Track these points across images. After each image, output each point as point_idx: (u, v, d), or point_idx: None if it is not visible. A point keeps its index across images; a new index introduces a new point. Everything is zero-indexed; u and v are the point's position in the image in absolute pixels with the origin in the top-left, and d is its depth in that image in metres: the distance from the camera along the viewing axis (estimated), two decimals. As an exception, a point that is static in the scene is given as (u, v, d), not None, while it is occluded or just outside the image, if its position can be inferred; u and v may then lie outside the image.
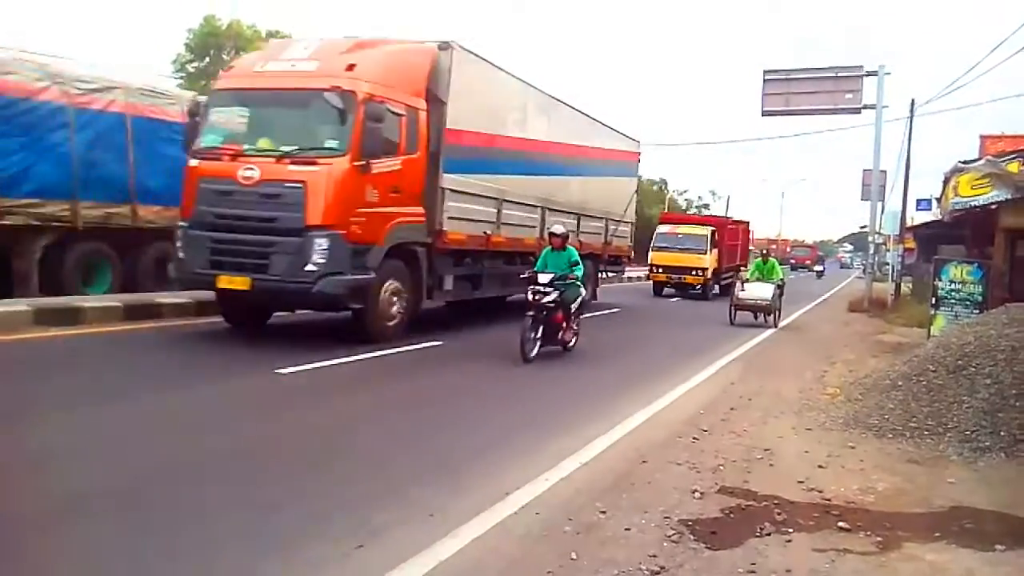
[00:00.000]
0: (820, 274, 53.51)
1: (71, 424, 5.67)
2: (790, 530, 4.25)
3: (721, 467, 5.41)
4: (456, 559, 3.64)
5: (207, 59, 47.52)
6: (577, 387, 8.39)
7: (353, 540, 3.82)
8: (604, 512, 4.36)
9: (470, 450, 5.61)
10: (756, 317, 16.25)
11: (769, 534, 4.18)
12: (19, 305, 9.97)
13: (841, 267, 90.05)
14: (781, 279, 16.76)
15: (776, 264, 17.31)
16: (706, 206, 75.11)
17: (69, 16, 74.70)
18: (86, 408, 6.11)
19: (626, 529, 4.12)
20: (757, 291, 16.18)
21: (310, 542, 3.79)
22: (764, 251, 18.77)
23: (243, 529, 3.95)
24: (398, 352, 9.62)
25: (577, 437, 5.98)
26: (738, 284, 17.17)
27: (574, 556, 3.74)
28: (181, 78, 46.98)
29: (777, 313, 16.19)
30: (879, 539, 4.17)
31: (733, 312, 16.18)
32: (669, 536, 4.05)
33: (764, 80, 22.90)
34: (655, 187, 71.27)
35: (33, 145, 11.40)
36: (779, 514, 4.49)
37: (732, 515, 4.46)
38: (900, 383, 7.25)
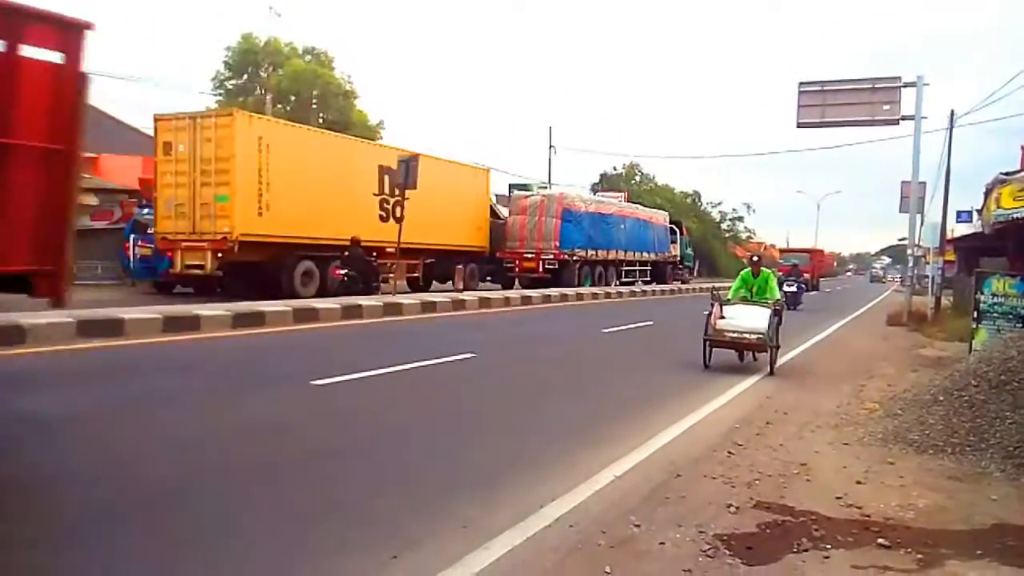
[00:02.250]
0: (794, 301, 24.26)
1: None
2: (828, 546, 4.18)
3: (757, 481, 5.34)
4: (489, 571, 3.65)
5: (245, 76, 48.42)
6: (610, 400, 8.35)
7: (388, 551, 3.84)
8: (638, 526, 4.33)
9: (504, 462, 5.61)
10: (742, 357, 11.34)
11: (807, 550, 4.12)
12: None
13: (872, 280, 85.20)
14: (779, 301, 11.61)
15: (772, 277, 11.76)
16: (740, 219, 74.54)
17: (104, 31, 76.71)
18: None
19: (660, 543, 4.09)
20: (745, 318, 10.78)
21: (345, 553, 3.82)
22: (755, 257, 12.50)
23: (279, 540, 4.00)
24: (431, 364, 9.68)
25: (611, 450, 5.96)
26: (715, 307, 10.98)
27: (608, 570, 3.73)
28: (220, 95, 47.93)
29: (774, 351, 10.73)
30: (920, 556, 4.09)
31: (708, 351, 10.74)
32: (704, 551, 4.01)
33: (799, 92, 22.68)
34: (688, 199, 70.89)
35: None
36: (816, 530, 4.42)
37: (768, 530, 4.41)
38: (941, 398, 7.10)
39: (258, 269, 17.74)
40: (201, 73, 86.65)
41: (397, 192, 19.15)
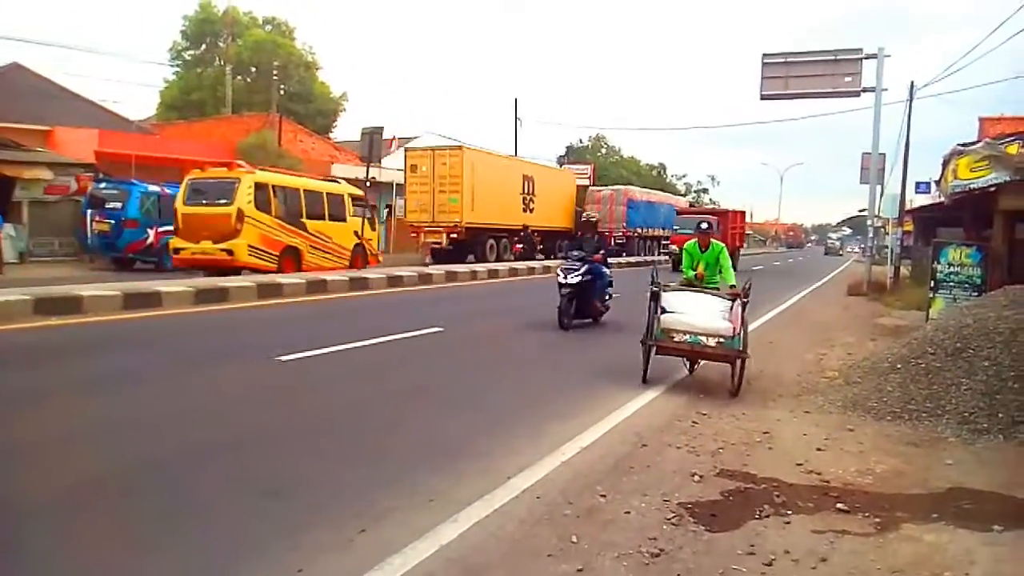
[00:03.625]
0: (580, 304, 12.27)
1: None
2: (789, 512, 4.28)
3: (720, 450, 5.44)
4: (457, 543, 3.67)
5: (203, 46, 47.27)
6: (578, 372, 8.40)
7: (355, 525, 3.84)
8: (604, 496, 4.39)
9: (469, 435, 5.63)
10: (693, 368, 8.31)
11: (768, 516, 4.21)
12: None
13: (827, 253, 75.39)
14: (738, 287, 7.97)
15: (725, 252, 8.62)
16: (705, 190, 75.17)
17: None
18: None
19: (626, 512, 4.15)
20: (698, 313, 7.56)
21: (313, 527, 3.82)
22: (702, 224, 8.94)
23: (245, 516, 3.98)
24: (398, 339, 9.64)
25: (576, 422, 6.01)
26: (661, 296, 7.72)
27: (574, 539, 3.77)
28: (177, 66, 46.78)
29: (741, 363, 7.38)
30: (877, 520, 4.20)
31: (648, 356, 7.66)
32: (669, 519, 4.08)
33: (763, 63, 22.76)
34: (654, 172, 71.20)
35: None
36: (778, 496, 4.52)
37: (731, 498, 4.49)
38: (899, 366, 7.27)
39: (465, 245, 26.08)
40: (158, 43, 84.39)
41: (530, 191, 30.14)
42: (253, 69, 45.23)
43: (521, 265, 24.46)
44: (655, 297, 7.70)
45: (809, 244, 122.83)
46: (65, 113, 26.17)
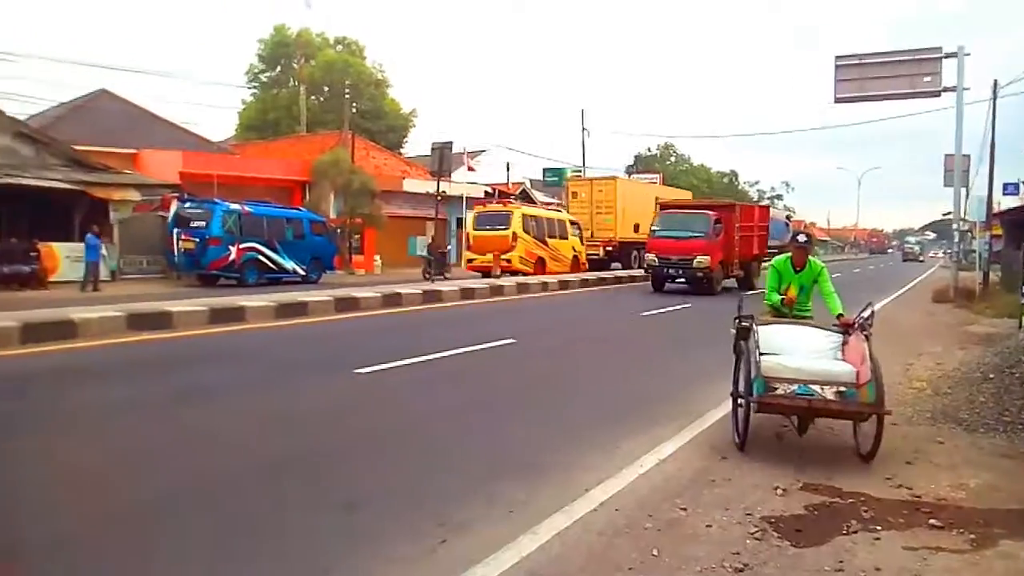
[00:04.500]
0: None
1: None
2: (878, 528, 4.15)
3: (804, 463, 5.31)
4: (538, 554, 3.68)
5: (278, 68, 48.83)
6: (652, 384, 8.33)
7: (436, 536, 3.90)
8: (684, 509, 4.34)
9: (548, 447, 5.64)
10: (803, 427, 5.73)
11: (856, 532, 4.09)
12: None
13: (905, 259, 70.59)
14: (850, 316, 6.07)
15: (824, 272, 6.57)
16: (779, 197, 73.56)
17: (134, 26, 77.78)
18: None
19: (707, 526, 4.10)
20: (806, 352, 5.80)
21: (394, 538, 3.89)
22: (800, 236, 6.80)
23: (328, 526, 4.08)
24: (471, 351, 9.74)
25: (652, 434, 5.96)
26: (753, 334, 5.65)
27: (655, 552, 3.74)
28: (254, 88, 48.42)
29: (879, 421, 5.25)
30: (972, 537, 4.04)
31: (748, 417, 5.57)
32: (752, 533, 4.00)
33: (836, 66, 22.18)
34: (725, 179, 70.11)
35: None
36: (866, 511, 4.39)
37: (817, 512, 4.38)
38: (991, 375, 6.98)
39: (614, 256, 29.97)
40: (236, 67, 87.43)
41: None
42: (326, 88, 46.54)
43: (592, 276, 24.39)
44: (745, 334, 5.80)
45: (891, 250, 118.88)
46: (150, 136, 27.40)
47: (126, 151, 25.61)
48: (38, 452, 5.24)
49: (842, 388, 5.33)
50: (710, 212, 22.07)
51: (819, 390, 5.32)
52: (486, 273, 23.38)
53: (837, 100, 22.44)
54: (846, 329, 5.96)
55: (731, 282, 22.71)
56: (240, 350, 9.89)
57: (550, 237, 25.71)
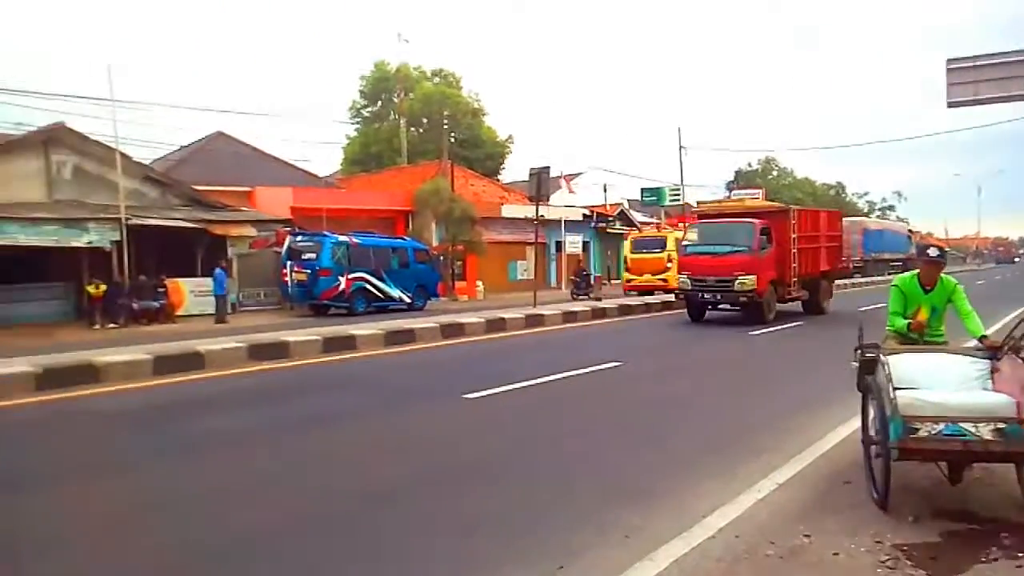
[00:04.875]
0: None
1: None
2: (1020, 555, 3.89)
3: (936, 489, 5.02)
4: (656, 582, 3.64)
5: (379, 103, 50.54)
6: (765, 408, 8.10)
7: (553, 562, 3.90)
8: (807, 536, 4.19)
9: (660, 473, 5.57)
10: (956, 475, 4.77)
11: (996, 559, 3.85)
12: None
13: (998, 263, 66.01)
14: (995, 340, 5.13)
15: (958, 289, 5.53)
16: (891, 207, 70.45)
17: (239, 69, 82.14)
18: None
19: (834, 554, 3.94)
20: (947, 383, 4.83)
21: (512, 564, 3.92)
22: (930, 250, 5.79)
23: (444, 552, 4.16)
24: (577, 375, 9.73)
25: (769, 458, 5.79)
26: (881, 367, 4.79)
27: (779, 581, 3.63)
28: (357, 123, 50.26)
29: None
30: None
31: (887, 469, 4.59)
32: (883, 562, 3.82)
33: (948, 69, 21.10)
34: (831, 191, 67.69)
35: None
36: (1006, 539, 4.11)
37: (952, 539, 4.15)
38: None
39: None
40: (340, 104, 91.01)
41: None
42: (424, 120, 47.80)
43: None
44: (871, 367, 4.99)
45: (1018, 259, 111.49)
46: (263, 174, 28.83)
47: (241, 189, 27.03)
48: (170, 474, 5.57)
49: (1001, 424, 4.37)
50: (755, 220, 17.43)
51: (972, 428, 4.36)
52: (642, 292, 26.26)
53: (950, 105, 21.33)
54: (994, 353, 4.99)
55: (795, 305, 19.18)
56: (353, 377, 10.22)
57: None
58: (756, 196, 50.65)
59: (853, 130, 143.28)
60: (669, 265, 25.81)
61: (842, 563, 3.84)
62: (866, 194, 71.83)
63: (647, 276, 26.99)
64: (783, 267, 17.84)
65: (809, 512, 4.59)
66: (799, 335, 15.24)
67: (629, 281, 28.02)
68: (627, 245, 29.06)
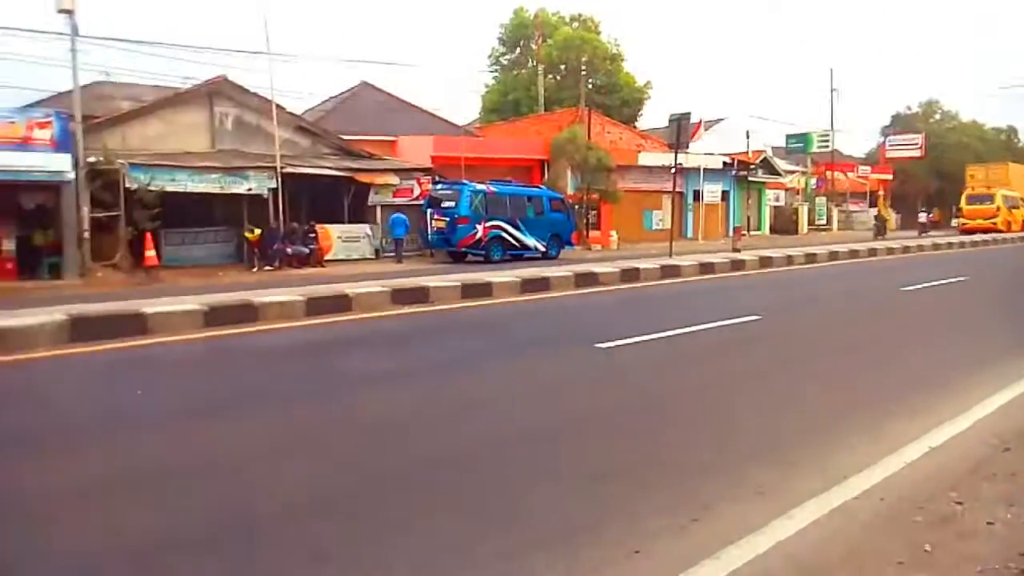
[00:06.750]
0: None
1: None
2: None
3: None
4: (795, 540, 3.57)
5: (518, 50, 50.43)
6: (915, 368, 7.68)
7: (687, 513, 3.91)
8: (960, 503, 3.98)
9: (800, 429, 5.44)
10: None
11: None
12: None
13: None
14: None
15: None
16: (1073, 153, 63.71)
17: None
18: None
19: (988, 523, 3.73)
20: None
21: (645, 512, 3.95)
22: None
23: (579, 496, 4.25)
24: (715, 327, 9.55)
25: (921, 421, 5.50)
26: None
27: (927, 548, 3.49)
28: (495, 71, 50.45)
29: None
30: None
31: None
32: (1045, 535, 3.60)
33: None
34: (1002, 135, 61.96)
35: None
36: None
37: None
38: None
39: None
40: (480, 51, 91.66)
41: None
42: (562, 66, 47.29)
43: (843, 248, 22.83)
44: None
45: None
46: (405, 124, 29.59)
47: (385, 138, 27.88)
48: (320, 413, 5.98)
49: None
50: None
51: None
52: (970, 232, 35.61)
53: None
54: None
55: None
56: (490, 323, 10.49)
57: (1013, 208, 38.97)
58: (916, 141, 47.23)
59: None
60: (998, 213, 37.61)
61: (998, 533, 3.64)
62: (1044, 138, 65.16)
63: (979, 220, 37.15)
64: None
65: (963, 479, 4.36)
66: (959, 291, 14.24)
67: (965, 224, 37.85)
68: (963, 199, 39.96)
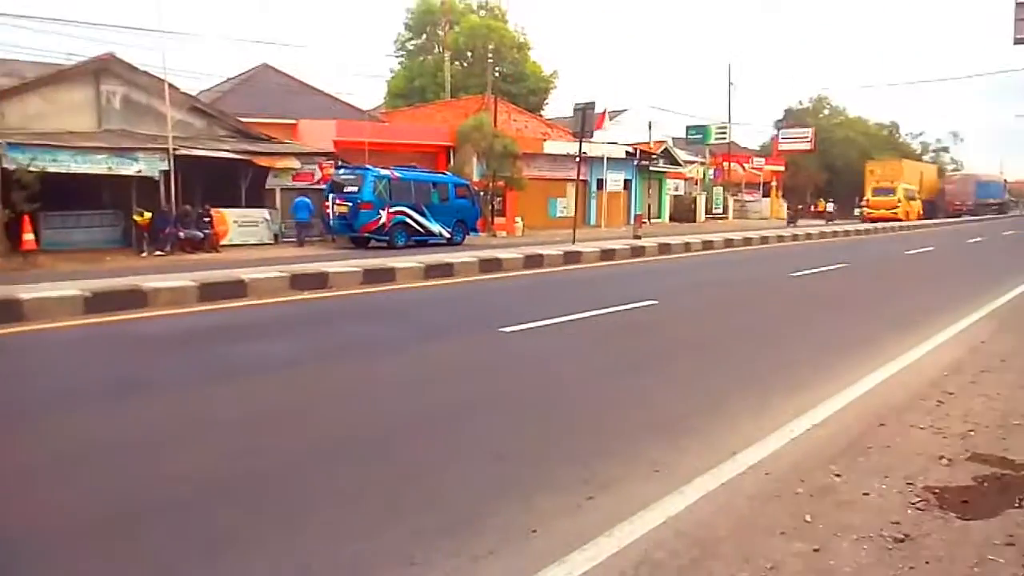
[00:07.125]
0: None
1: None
2: (1056, 503, 3.85)
3: (971, 433, 4.98)
4: (686, 515, 3.68)
5: (424, 36, 49.85)
6: (800, 348, 8.03)
7: (583, 492, 3.97)
8: (839, 475, 4.19)
9: (693, 410, 5.59)
10: None
11: (1030, 506, 3.81)
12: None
13: None
14: None
15: None
16: (944, 149, 68.17)
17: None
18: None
19: (864, 494, 3.94)
20: None
21: (542, 491, 3.99)
22: None
23: (478, 475, 4.26)
24: (613, 311, 9.73)
25: (804, 398, 5.76)
26: None
27: (808, 518, 3.65)
28: (401, 56, 49.74)
29: None
30: None
31: None
32: (913, 503, 3.82)
33: (1017, 3, 20.17)
34: (884, 131, 65.53)
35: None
36: (1042, 485, 4.07)
37: (986, 484, 4.11)
38: None
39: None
40: (385, 36, 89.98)
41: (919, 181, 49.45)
42: (469, 54, 47.08)
43: (737, 236, 23.67)
44: None
45: None
46: (307, 107, 28.80)
47: (286, 121, 27.06)
48: (206, 398, 5.76)
49: None
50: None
51: None
52: (874, 220, 40.94)
53: (1016, 41, 20.45)
54: None
55: None
56: (392, 309, 10.36)
57: (911, 200, 45.21)
58: (806, 135, 49.39)
59: (909, 68, 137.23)
60: (899, 204, 43.14)
61: (872, 503, 3.84)
62: (920, 134, 69.39)
63: (882, 211, 42.59)
64: None
65: (842, 453, 4.58)
66: (842, 276, 15.00)
67: (870, 213, 43.21)
68: (868, 191, 45.92)
